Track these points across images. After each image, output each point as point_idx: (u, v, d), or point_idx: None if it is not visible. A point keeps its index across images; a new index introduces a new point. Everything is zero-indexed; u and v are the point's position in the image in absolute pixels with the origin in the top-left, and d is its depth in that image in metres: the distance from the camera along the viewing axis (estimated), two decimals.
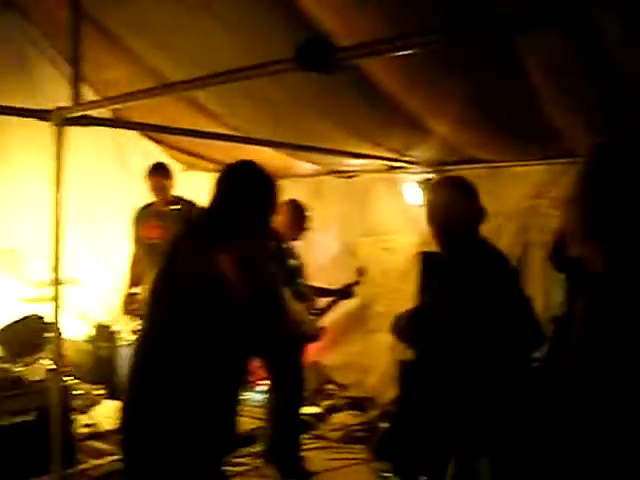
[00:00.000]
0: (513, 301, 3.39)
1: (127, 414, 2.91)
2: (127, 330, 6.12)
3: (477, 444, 3.33)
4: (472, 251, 3.46)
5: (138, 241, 6.10)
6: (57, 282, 3.79)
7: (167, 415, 2.74)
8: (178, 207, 5.96)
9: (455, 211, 3.48)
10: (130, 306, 6.02)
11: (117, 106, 5.06)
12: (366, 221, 7.73)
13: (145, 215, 6.07)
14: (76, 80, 3.89)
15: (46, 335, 5.98)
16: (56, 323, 3.99)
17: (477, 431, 3.27)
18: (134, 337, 5.89)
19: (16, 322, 6.13)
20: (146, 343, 2.91)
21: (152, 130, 6.77)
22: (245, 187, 3.00)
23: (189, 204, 6.01)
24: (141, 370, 2.88)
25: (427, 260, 5.88)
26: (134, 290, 6.04)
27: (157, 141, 7.87)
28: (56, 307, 3.78)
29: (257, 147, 6.06)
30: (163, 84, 4.91)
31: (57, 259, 3.75)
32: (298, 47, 2.82)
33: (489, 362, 3.22)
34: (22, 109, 4.10)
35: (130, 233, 6.19)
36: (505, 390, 3.26)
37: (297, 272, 5.55)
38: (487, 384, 3.23)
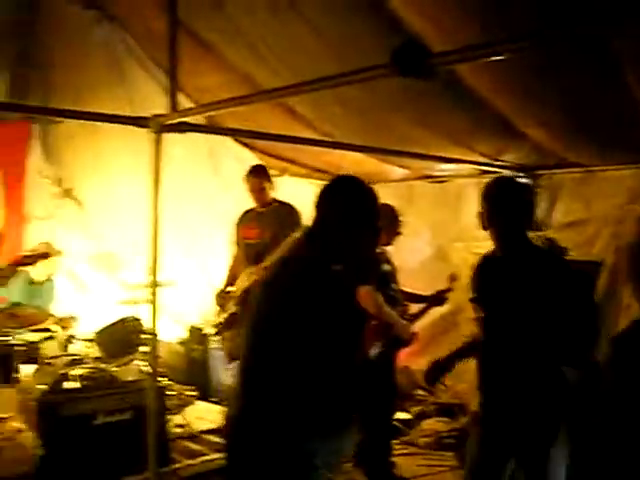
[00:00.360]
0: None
1: (237, 417, 2.94)
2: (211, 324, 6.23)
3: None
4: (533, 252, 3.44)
5: (237, 242, 6.22)
6: (154, 285, 3.87)
7: (277, 417, 2.77)
8: (274, 208, 6.01)
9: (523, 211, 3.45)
10: (221, 301, 6.12)
11: (211, 113, 5.14)
12: (458, 226, 7.65)
13: (245, 217, 6.19)
14: (173, 88, 3.98)
15: (141, 336, 6.14)
16: (153, 325, 4.08)
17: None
18: (214, 331, 6.03)
19: (113, 324, 6.29)
20: (253, 354, 2.93)
21: (246, 136, 6.87)
22: (350, 204, 2.98)
23: (286, 206, 6.06)
24: (249, 379, 2.91)
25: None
26: (229, 288, 6.14)
27: (249, 147, 7.97)
28: (153, 309, 3.86)
29: (348, 152, 6.09)
30: (258, 91, 4.97)
31: (154, 262, 3.84)
32: (394, 52, 2.81)
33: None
34: (122, 116, 4.22)
35: (232, 235, 6.31)
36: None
37: (390, 277, 5.53)
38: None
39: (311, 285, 2.79)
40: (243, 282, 5.88)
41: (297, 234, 5.05)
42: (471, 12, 3.61)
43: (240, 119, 6.29)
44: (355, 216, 2.94)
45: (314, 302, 2.76)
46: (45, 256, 5.06)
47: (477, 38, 3.04)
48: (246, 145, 7.96)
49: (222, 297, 6.13)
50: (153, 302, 3.88)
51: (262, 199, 6.02)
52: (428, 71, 2.79)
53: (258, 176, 6.04)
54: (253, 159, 7.84)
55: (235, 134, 6.92)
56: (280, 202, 6.12)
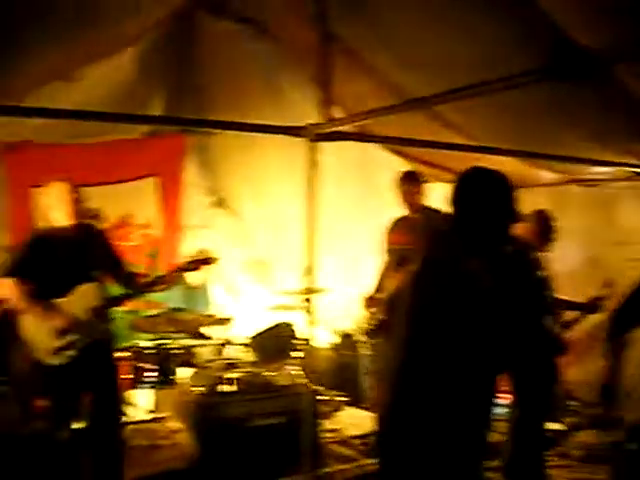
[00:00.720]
0: None
1: (387, 421, 2.96)
2: (361, 330, 6.23)
3: None
4: None
5: (387, 249, 6.21)
6: (310, 291, 3.93)
7: (426, 424, 2.77)
8: (426, 215, 5.95)
9: None
10: (369, 307, 6.11)
11: (365, 122, 5.18)
12: (612, 231, 7.38)
13: (397, 224, 6.18)
14: (326, 98, 4.04)
15: (295, 342, 6.26)
16: (308, 331, 4.15)
17: None
18: (365, 339, 6.03)
19: (267, 329, 6.44)
20: (403, 355, 2.94)
21: (398, 143, 6.86)
22: (485, 195, 2.96)
23: (437, 213, 6.00)
24: (401, 380, 2.92)
25: None
26: (378, 295, 6.13)
27: (399, 153, 7.97)
28: (308, 316, 3.92)
29: (496, 156, 6.00)
30: (408, 99, 4.96)
31: (310, 269, 3.89)
32: (552, 57, 2.76)
33: None
34: (276, 127, 4.32)
35: (382, 242, 6.29)
36: None
37: (545, 284, 5.40)
38: None
39: (456, 287, 2.78)
40: (389, 288, 5.86)
41: (435, 234, 5.05)
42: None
43: (388, 126, 6.30)
44: (493, 205, 2.92)
45: (464, 306, 2.74)
46: (207, 262, 5.20)
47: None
48: (396, 152, 7.97)
49: (370, 303, 6.13)
50: (308, 309, 3.93)
51: (413, 205, 5.98)
52: (588, 74, 2.72)
53: (409, 182, 6.01)
54: (403, 166, 7.84)
55: (387, 142, 6.92)
56: (431, 209, 6.06)
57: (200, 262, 5.16)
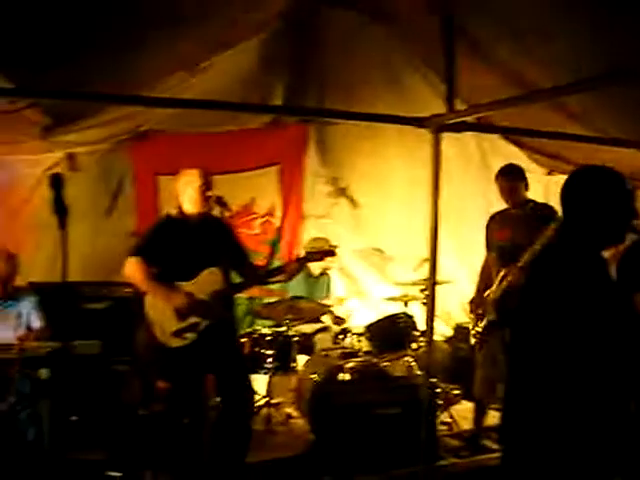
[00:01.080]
0: None
1: (517, 419, 2.92)
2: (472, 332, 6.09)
3: None
4: None
5: (489, 245, 6.02)
6: (432, 283, 3.91)
7: (560, 429, 2.72)
8: (530, 209, 5.77)
9: None
10: (477, 309, 5.98)
11: (488, 113, 5.11)
12: None
13: (497, 219, 5.97)
14: (450, 89, 4.01)
15: (413, 333, 6.25)
16: (428, 323, 4.13)
17: None
18: (475, 340, 5.90)
19: (385, 319, 6.44)
20: (528, 354, 2.88)
21: (522, 135, 6.74)
22: (600, 193, 2.87)
23: (543, 207, 5.84)
24: (525, 382, 2.87)
25: None
26: (485, 293, 6.00)
27: (519, 144, 7.83)
28: (430, 307, 3.90)
29: (620, 149, 5.81)
30: (531, 90, 4.87)
31: (433, 261, 3.87)
32: None
33: None
34: (400, 117, 4.31)
35: (484, 237, 6.10)
36: None
37: None
38: None
39: (578, 286, 2.71)
40: (497, 287, 5.70)
41: (549, 232, 4.91)
42: None
43: (509, 117, 6.19)
44: (609, 203, 2.82)
45: (585, 307, 2.68)
46: (328, 254, 5.23)
47: None
48: (516, 144, 7.83)
49: (477, 303, 5.98)
50: (430, 300, 3.92)
51: (514, 200, 5.76)
52: None
53: (508, 177, 5.80)
54: (523, 158, 7.71)
55: (513, 133, 6.80)
56: (536, 203, 5.87)
57: (321, 254, 5.19)
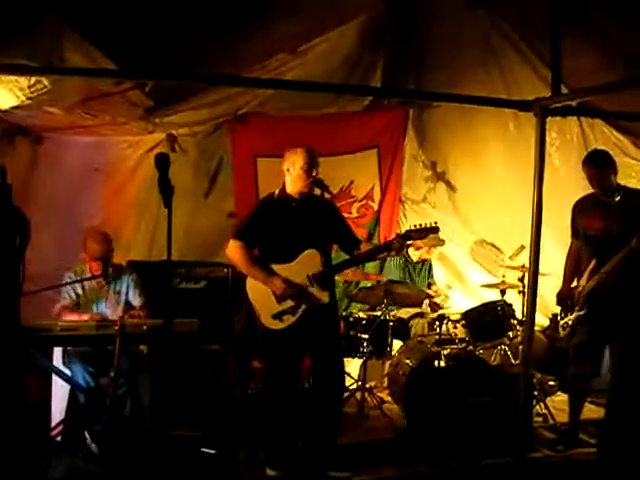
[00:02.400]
0: None
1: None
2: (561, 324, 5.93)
3: None
4: None
5: (576, 233, 5.80)
6: (534, 272, 3.83)
7: None
8: (623, 197, 5.54)
9: None
10: (566, 300, 5.82)
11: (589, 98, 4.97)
12: None
13: (584, 206, 5.71)
14: (556, 72, 3.90)
15: (510, 322, 6.15)
16: (528, 312, 4.05)
17: None
18: (564, 333, 5.75)
19: (482, 306, 6.35)
20: None
21: (631, 119, 6.52)
22: None
23: (633, 193, 5.60)
24: None
25: None
26: (573, 284, 5.83)
27: (623, 130, 7.61)
28: (530, 297, 3.82)
29: None
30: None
31: (536, 250, 3.79)
32: None
33: None
34: (504, 100, 4.24)
35: (571, 226, 5.88)
36: None
37: None
38: None
39: None
40: (588, 280, 5.53)
41: None
42: None
43: (616, 102, 6.00)
44: None
45: None
46: (435, 230, 5.09)
47: None
48: (619, 129, 7.61)
49: (566, 295, 5.79)
50: (531, 289, 3.83)
51: (604, 187, 5.47)
52: None
53: (596, 163, 5.53)
54: (627, 144, 7.49)
55: (619, 117, 6.59)
56: (626, 189, 5.60)
57: (425, 231, 5.07)
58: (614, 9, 5.00)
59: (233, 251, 4.89)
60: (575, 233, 5.82)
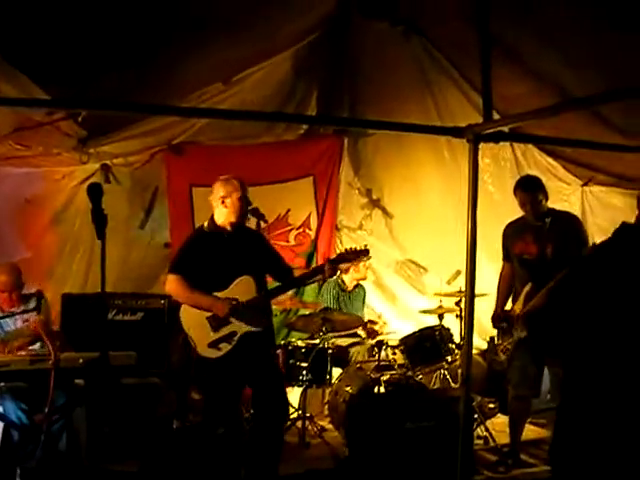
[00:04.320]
0: None
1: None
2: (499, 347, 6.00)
3: None
4: None
5: (508, 257, 5.87)
6: (470, 296, 3.85)
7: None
8: (553, 221, 5.65)
9: None
10: (499, 323, 5.89)
11: (525, 122, 5.07)
12: None
13: (516, 230, 5.78)
14: (486, 99, 3.96)
15: (449, 346, 6.19)
16: (465, 336, 4.08)
17: None
18: (504, 357, 5.82)
19: (419, 331, 6.39)
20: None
21: (560, 145, 6.66)
22: None
23: (567, 217, 5.74)
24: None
25: None
26: (507, 306, 5.90)
27: (554, 155, 7.77)
28: (467, 320, 3.84)
29: None
30: (567, 100, 4.82)
31: (472, 273, 3.81)
32: None
33: None
34: (436, 127, 4.28)
35: (503, 247, 5.94)
36: None
37: None
38: None
39: None
40: (524, 303, 5.59)
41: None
42: None
43: (544, 128, 6.13)
44: None
45: None
46: (363, 254, 5.18)
47: None
48: (550, 154, 7.78)
49: (501, 318, 5.84)
50: (467, 312, 3.86)
51: (535, 211, 5.56)
52: None
53: (527, 189, 5.61)
54: (558, 168, 7.66)
55: (550, 143, 6.74)
56: (557, 212, 5.74)
57: (357, 253, 5.14)
58: (543, 36, 5.11)
59: (172, 285, 4.81)
60: (507, 257, 5.89)
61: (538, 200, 5.54)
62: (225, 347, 4.73)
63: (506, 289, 5.90)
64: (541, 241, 5.51)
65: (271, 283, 5.17)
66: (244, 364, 4.75)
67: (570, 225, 5.58)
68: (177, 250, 5.19)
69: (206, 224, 4.96)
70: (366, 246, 5.28)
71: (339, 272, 6.64)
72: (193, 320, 4.79)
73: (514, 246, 5.74)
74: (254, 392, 4.92)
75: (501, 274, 5.99)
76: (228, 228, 4.88)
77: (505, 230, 5.90)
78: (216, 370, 4.77)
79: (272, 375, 4.94)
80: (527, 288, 5.53)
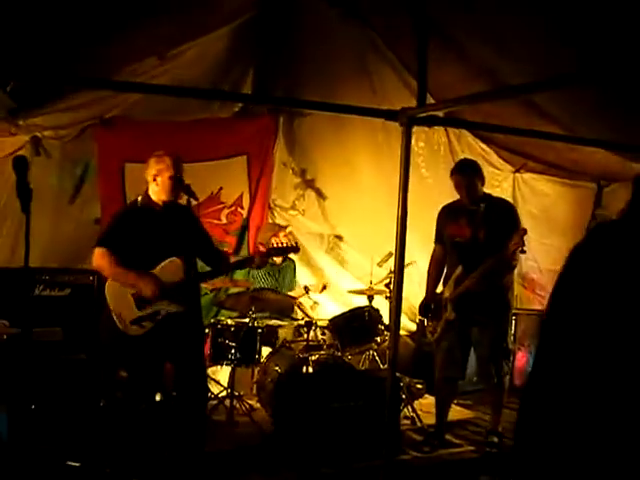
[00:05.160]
0: None
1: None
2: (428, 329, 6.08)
3: None
4: None
5: (440, 239, 5.94)
6: (398, 277, 3.88)
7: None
8: (488, 206, 5.65)
9: None
10: (426, 313, 5.93)
11: (457, 107, 5.12)
12: None
13: (450, 213, 5.85)
14: (422, 82, 3.98)
15: (378, 327, 6.24)
16: (392, 317, 4.11)
17: None
18: (433, 337, 5.90)
19: (348, 312, 6.44)
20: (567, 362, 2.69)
21: (491, 130, 6.75)
22: None
23: (501, 202, 5.82)
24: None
25: None
26: (438, 289, 5.99)
27: (487, 141, 7.89)
28: (395, 301, 3.87)
29: (593, 150, 5.84)
30: (502, 87, 4.87)
31: (401, 255, 3.83)
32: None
33: None
34: (371, 109, 4.27)
35: (436, 230, 6.02)
36: None
37: None
38: None
39: None
40: (454, 286, 5.67)
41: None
42: None
43: (481, 114, 6.20)
44: None
45: None
46: (293, 250, 5.32)
47: None
48: (484, 140, 7.88)
49: (430, 301, 5.91)
50: (396, 294, 3.89)
51: (471, 196, 5.62)
52: None
53: (464, 173, 5.67)
54: (491, 154, 7.77)
55: (482, 128, 6.82)
56: (492, 197, 5.77)
57: (287, 250, 5.25)
58: (480, 24, 5.15)
59: (99, 258, 4.72)
60: (439, 239, 5.95)
61: (474, 184, 5.61)
62: (148, 325, 4.70)
63: (436, 272, 5.96)
64: (474, 225, 5.57)
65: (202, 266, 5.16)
66: (166, 343, 4.72)
67: (505, 211, 5.64)
68: (106, 223, 5.13)
69: (140, 198, 4.89)
70: (297, 244, 5.40)
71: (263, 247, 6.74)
72: (118, 296, 4.73)
73: (447, 228, 5.81)
74: (175, 372, 4.88)
75: (432, 257, 6.04)
76: (161, 205, 4.82)
77: (440, 212, 5.95)
78: (138, 347, 4.74)
79: (193, 357, 4.91)
80: (458, 271, 5.62)
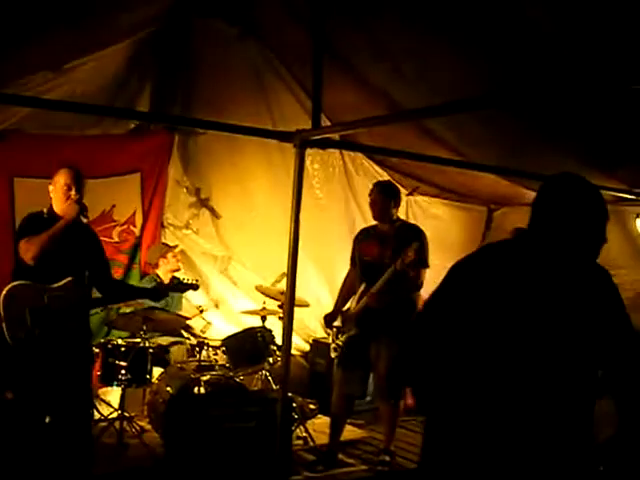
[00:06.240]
0: None
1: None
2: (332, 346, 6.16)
3: None
4: None
5: (353, 261, 6.08)
6: (291, 299, 3.90)
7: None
8: (398, 228, 5.83)
9: None
10: (330, 323, 6.09)
11: (355, 131, 5.19)
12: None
13: (364, 235, 6.05)
14: (316, 105, 4.03)
15: (270, 347, 6.24)
16: (284, 338, 4.12)
17: None
18: (336, 354, 5.99)
19: (242, 332, 6.42)
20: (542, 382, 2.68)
21: (385, 154, 6.87)
22: (583, 202, 2.67)
23: (411, 227, 5.98)
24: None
25: None
26: (344, 307, 6.08)
27: (382, 164, 8.02)
28: (287, 323, 3.89)
29: (484, 174, 5.99)
30: (397, 111, 4.95)
31: (292, 276, 3.86)
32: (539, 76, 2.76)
33: None
34: (266, 130, 4.29)
35: (351, 252, 6.16)
36: None
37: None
38: None
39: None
40: (357, 303, 5.78)
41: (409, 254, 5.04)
42: None
43: (376, 137, 6.31)
44: (587, 215, 2.68)
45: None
46: (194, 288, 5.49)
47: None
48: (379, 163, 8.01)
49: (334, 316, 6.07)
50: (287, 315, 3.91)
51: (384, 217, 5.84)
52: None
53: (382, 193, 5.88)
54: (385, 177, 7.89)
55: (376, 152, 6.94)
56: (404, 222, 6.03)
57: (186, 286, 5.36)
58: (376, 49, 5.24)
59: (27, 245, 4.50)
60: (352, 261, 6.10)
61: (389, 206, 5.82)
62: (33, 341, 4.52)
63: (346, 290, 6.13)
64: (383, 245, 5.75)
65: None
66: (55, 363, 4.57)
67: (413, 234, 5.76)
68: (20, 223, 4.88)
69: (45, 210, 4.72)
70: (197, 281, 5.72)
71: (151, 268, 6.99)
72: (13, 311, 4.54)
73: (359, 249, 5.99)
74: (61, 392, 4.71)
75: (345, 278, 6.22)
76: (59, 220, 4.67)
77: (356, 235, 6.16)
78: (26, 368, 4.57)
79: (80, 376, 4.77)
80: (361, 288, 5.78)
